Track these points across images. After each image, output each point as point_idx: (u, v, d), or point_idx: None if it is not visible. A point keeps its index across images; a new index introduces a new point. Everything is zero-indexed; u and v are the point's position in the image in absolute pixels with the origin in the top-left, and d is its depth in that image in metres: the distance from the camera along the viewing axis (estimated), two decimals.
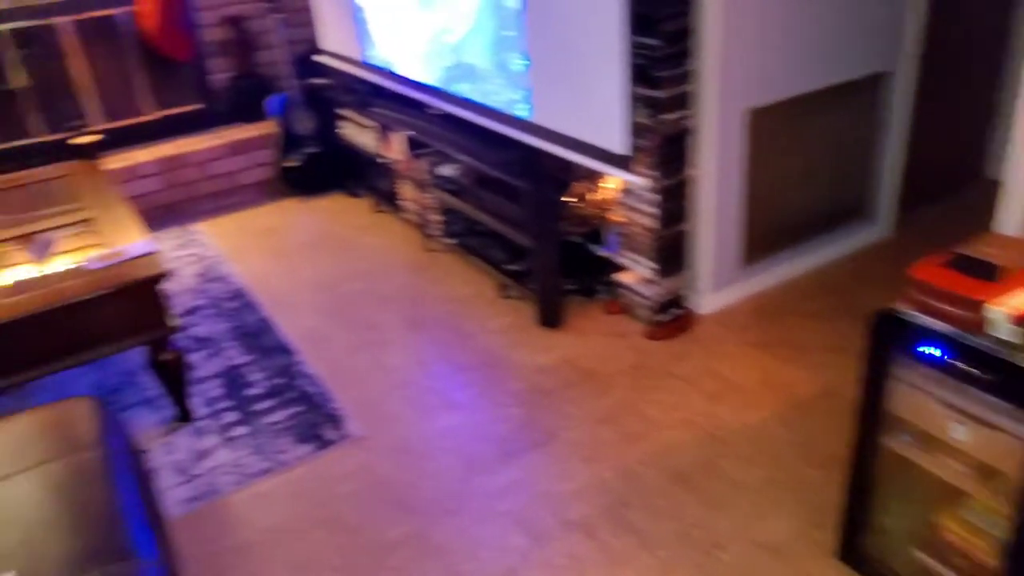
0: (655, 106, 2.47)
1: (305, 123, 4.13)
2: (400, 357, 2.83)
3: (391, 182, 3.85)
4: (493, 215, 3.02)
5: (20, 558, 1.39)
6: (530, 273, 2.94)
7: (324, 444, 2.39)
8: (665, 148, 2.54)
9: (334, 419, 2.49)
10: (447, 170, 3.37)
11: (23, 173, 3.66)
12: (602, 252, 2.94)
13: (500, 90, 2.79)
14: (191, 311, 3.20)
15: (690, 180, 2.67)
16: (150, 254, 2.35)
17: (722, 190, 2.68)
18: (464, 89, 2.99)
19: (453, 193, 3.27)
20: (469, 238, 3.38)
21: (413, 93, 3.35)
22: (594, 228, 2.95)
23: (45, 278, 2.35)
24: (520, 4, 2.52)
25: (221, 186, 4.19)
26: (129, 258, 2.32)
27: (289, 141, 4.14)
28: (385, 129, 3.66)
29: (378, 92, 3.72)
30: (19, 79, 3.93)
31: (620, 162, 2.38)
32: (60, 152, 3.94)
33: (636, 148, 2.37)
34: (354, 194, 4.22)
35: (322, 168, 4.21)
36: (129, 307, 2.25)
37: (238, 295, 3.30)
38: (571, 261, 2.93)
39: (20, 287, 2.29)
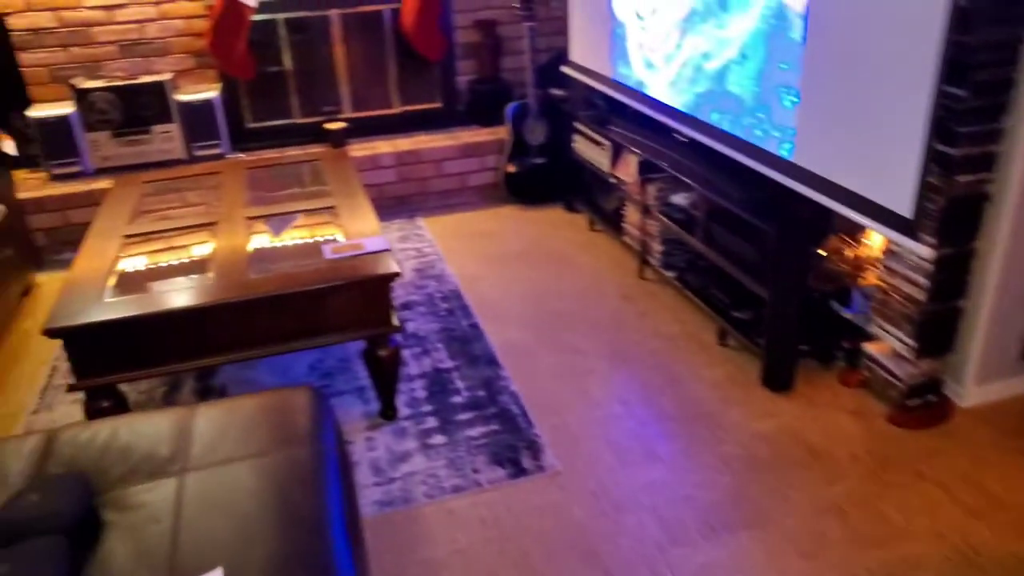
0: (947, 165, 2.13)
1: (537, 133, 4.11)
2: (603, 390, 2.68)
3: (615, 202, 3.71)
4: (725, 254, 2.79)
5: (229, 551, 1.39)
6: (758, 324, 2.68)
7: (520, 472, 2.30)
8: (950, 213, 2.19)
9: (533, 447, 2.39)
10: (678, 199, 3.19)
11: (278, 154, 3.94)
12: (848, 314, 2.61)
13: (758, 124, 2.55)
14: (406, 305, 3.25)
15: (975, 252, 2.29)
16: (385, 251, 2.38)
17: (1013, 268, 2.28)
18: (716, 118, 2.78)
19: (681, 224, 3.07)
20: (690, 274, 3.17)
21: (658, 116, 3.19)
22: (842, 286, 2.63)
23: (281, 249, 2.51)
24: (801, 37, 2.28)
25: (450, 185, 4.27)
26: (366, 252, 2.37)
27: (518, 148, 4.14)
28: (619, 148, 3.53)
29: (618, 110, 3.60)
30: (287, 63, 4.23)
31: (900, 224, 2.07)
32: (314, 135, 4.23)
33: (918, 210, 2.05)
34: (572, 209, 4.14)
35: (544, 179, 4.18)
36: (359, 301, 2.28)
37: (452, 296, 3.31)
38: (808, 318, 2.63)
39: (259, 254, 2.44)
